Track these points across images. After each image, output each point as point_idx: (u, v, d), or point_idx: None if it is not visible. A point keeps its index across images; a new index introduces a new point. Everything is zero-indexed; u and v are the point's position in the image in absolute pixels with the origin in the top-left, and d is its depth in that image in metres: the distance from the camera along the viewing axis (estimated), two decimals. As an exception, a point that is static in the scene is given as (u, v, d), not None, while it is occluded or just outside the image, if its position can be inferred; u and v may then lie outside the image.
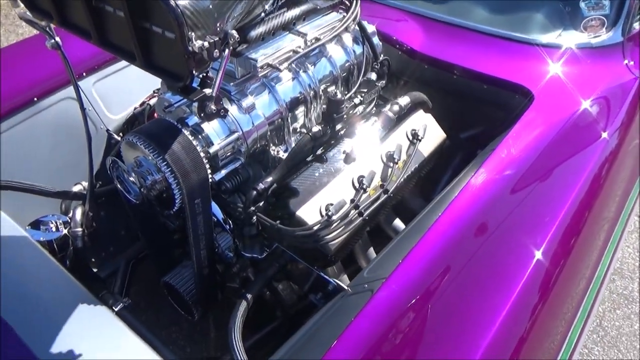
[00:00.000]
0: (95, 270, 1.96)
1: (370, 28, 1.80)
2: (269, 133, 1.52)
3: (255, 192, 1.45)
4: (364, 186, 1.54)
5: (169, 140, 1.28)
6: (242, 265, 1.73)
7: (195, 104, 1.16)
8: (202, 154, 1.32)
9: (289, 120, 1.58)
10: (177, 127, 1.31)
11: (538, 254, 1.29)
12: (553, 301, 1.29)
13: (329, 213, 1.44)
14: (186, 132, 1.32)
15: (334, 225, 1.47)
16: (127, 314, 1.80)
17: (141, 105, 1.74)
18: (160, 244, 1.84)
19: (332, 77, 1.69)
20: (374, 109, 1.85)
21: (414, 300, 1.16)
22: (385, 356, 1.05)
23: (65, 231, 1.69)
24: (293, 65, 1.59)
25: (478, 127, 2.05)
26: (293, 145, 1.60)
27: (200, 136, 1.40)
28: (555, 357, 1.30)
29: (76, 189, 1.82)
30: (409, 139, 1.76)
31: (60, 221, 1.72)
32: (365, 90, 1.71)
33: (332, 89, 1.64)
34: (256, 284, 1.53)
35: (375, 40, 1.82)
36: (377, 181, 1.62)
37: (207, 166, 1.33)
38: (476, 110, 2.02)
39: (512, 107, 1.83)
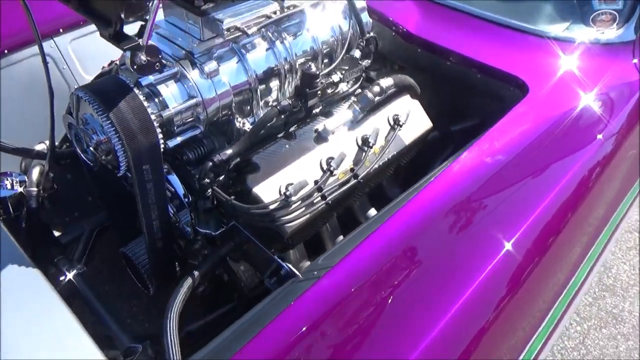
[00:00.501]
0: (58, 234, 1.90)
1: (360, 3, 1.69)
2: (234, 103, 1.43)
3: (210, 164, 1.35)
4: (332, 168, 1.44)
5: (116, 98, 1.20)
6: (203, 242, 1.64)
7: (129, 55, 1.07)
8: (153, 117, 1.24)
9: (259, 93, 1.48)
10: (128, 85, 1.22)
11: (507, 246, 1.19)
12: (520, 298, 1.18)
13: (288, 193, 1.35)
14: (139, 93, 1.23)
15: (293, 206, 1.37)
16: (81, 282, 1.73)
17: (109, 64, 1.66)
18: (123, 212, 1.76)
19: (312, 51, 1.58)
20: (358, 90, 1.74)
21: (355, 290, 1.06)
22: (304, 355, 0.95)
23: (20, 189, 1.62)
24: (269, 34, 1.49)
25: (470, 119, 1.93)
26: (262, 118, 1.50)
27: (156, 99, 1.31)
28: (516, 357, 1.21)
29: (39, 147, 1.74)
30: (389, 123, 1.65)
31: (18, 179, 1.65)
32: (347, 68, 1.60)
33: (310, 63, 1.53)
34: (205, 262, 1.44)
35: (365, 16, 1.70)
36: (347, 165, 1.52)
37: (159, 131, 1.25)
38: (469, 101, 1.91)
39: (506, 99, 1.71)
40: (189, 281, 1.37)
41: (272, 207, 1.35)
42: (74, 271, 1.73)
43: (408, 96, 1.76)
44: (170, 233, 1.51)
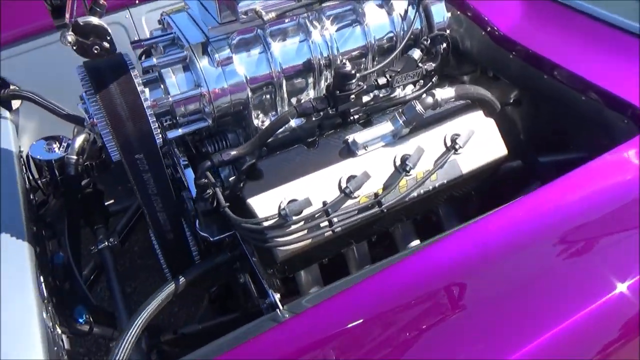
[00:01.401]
0: (108, 202, 1.94)
1: (437, -8, 1.38)
2: (251, 98, 1.25)
3: (208, 163, 1.20)
4: (349, 190, 1.20)
5: (109, 79, 1.10)
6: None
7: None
8: (151, 104, 1.13)
9: (284, 89, 1.29)
10: (127, 66, 1.12)
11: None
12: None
13: (285, 211, 1.14)
14: (137, 76, 1.12)
15: (292, 227, 1.17)
16: (108, 255, 1.74)
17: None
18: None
19: (360, 47, 1.33)
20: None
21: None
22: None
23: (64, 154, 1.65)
24: (306, 21, 1.28)
25: (566, 151, 1.51)
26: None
27: (160, 85, 1.20)
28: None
29: None
30: (445, 145, 1.34)
31: (66, 144, 1.69)
32: (398, 70, 1.32)
33: (345, 61, 1.28)
34: (196, 269, 1.32)
35: (439, 9, 1.39)
36: (375, 188, 1.26)
37: (153, 119, 1.13)
38: (566, 128, 1.49)
39: (616, 132, 1.29)
40: (170, 288, 1.25)
41: (265, 224, 1.16)
42: (104, 243, 1.75)
43: (481, 113, 1.41)
44: (181, 224, 1.42)
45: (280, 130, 1.33)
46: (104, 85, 1.09)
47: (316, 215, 1.19)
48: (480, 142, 1.37)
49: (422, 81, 1.50)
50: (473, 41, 1.59)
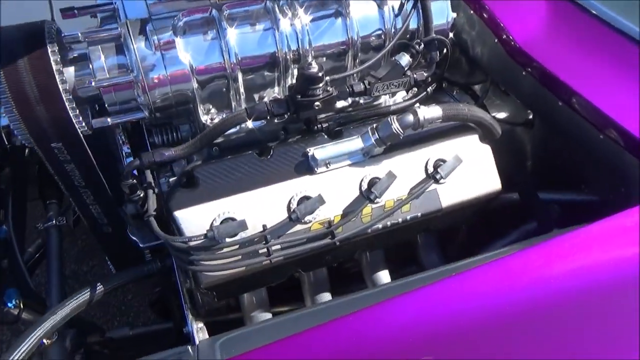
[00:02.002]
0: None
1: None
2: (197, 91, 1.06)
3: (136, 162, 1.02)
4: (296, 216, 1.01)
5: (21, 51, 0.92)
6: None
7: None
8: (67, 86, 0.95)
9: (241, 83, 1.08)
10: (43, 37, 0.94)
11: None
12: None
13: (214, 233, 0.96)
14: (56, 52, 0.94)
15: (220, 252, 0.99)
16: (54, 234, 1.59)
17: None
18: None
19: (340, 43, 1.12)
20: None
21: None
22: None
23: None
24: (275, 8, 1.06)
25: (574, 191, 1.28)
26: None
27: (89, 65, 1.01)
28: None
29: None
30: (426, 171, 1.12)
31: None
32: (379, 77, 1.10)
33: (310, 59, 1.07)
34: (119, 277, 1.15)
35: (440, 5, 1.16)
36: (332, 214, 1.06)
37: (72, 104, 0.96)
38: (580, 165, 1.25)
39: (635, 183, 1.06)
40: (85, 296, 1.10)
41: (192, 243, 0.98)
42: (54, 222, 1.60)
43: (476, 137, 1.19)
44: (120, 217, 1.25)
45: (234, 130, 1.14)
46: (13, 58, 0.92)
47: (254, 240, 1.00)
48: (469, 171, 1.16)
49: (415, 89, 1.28)
50: (484, 48, 1.35)
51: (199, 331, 1.09)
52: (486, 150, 1.19)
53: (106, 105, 1.03)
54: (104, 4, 1.07)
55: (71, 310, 1.07)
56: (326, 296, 1.28)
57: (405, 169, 1.12)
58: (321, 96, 1.04)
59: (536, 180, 1.36)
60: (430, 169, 1.12)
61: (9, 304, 1.47)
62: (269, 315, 1.25)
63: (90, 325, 1.46)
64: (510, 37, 1.26)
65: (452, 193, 1.14)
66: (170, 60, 1.00)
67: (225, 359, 0.86)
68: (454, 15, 1.20)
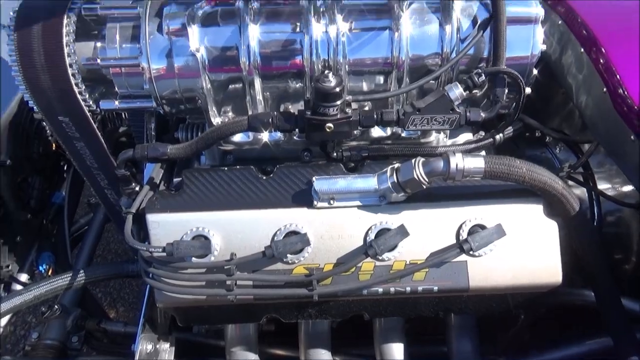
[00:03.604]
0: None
1: (531, 10, 0.89)
2: (209, 91, 0.95)
3: (129, 153, 0.94)
4: (271, 251, 0.84)
5: (38, 18, 0.91)
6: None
7: None
8: (73, 59, 0.91)
9: (258, 89, 0.95)
10: (64, 8, 0.91)
11: None
12: None
13: (173, 247, 0.84)
14: (72, 22, 0.91)
15: (181, 270, 0.86)
16: (100, 210, 1.61)
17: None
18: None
19: (382, 60, 0.92)
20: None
21: None
22: None
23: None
24: (310, 8, 0.91)
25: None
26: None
27: (100, 43, 0.96)
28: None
29: None
30: (457, 237, 0.88)
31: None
32: (418, 108, 0.88)
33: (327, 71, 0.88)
34: (96, 270, 1.09)
35: (527, 31, 0.91)
36: (319, 261, 0.87)
37: (76, 80, 0.92)
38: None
39: None
40: (63, 282, 1.05)
41: (154, 253, 0.87)
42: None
43: (540, 207, 0.90)
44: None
45: (248, 140, 1.02)
46: (29, 22, 0.90)
47: (217, 268, 0.86)
48: (520, 250, 0.88)
49: (482, 133, 1.03)
50: (589, 98, 1.04)
51: (164, 352, 0.97)
52: (550, 227, 0.90)
53: (116, 88, 0.97)
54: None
55: (42, 292, 1.03)
56: (323, 354, 1.08)
57: (432, 227, 0.89)
58: (336, 117, 0.86)
59: (629, 284, 1.01)
60: (463, 235, 0.87)
61: (40, 267, 1.52)
62: (254, 357, 1.10)
63: (97, 308, 1.43)
64: (624, 90, 0.94)
65: (487, 272, 0.88)
66: (179, 49, 0.90)
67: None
68: (543, 47, 0.93)
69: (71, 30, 0.91)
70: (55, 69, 0.91)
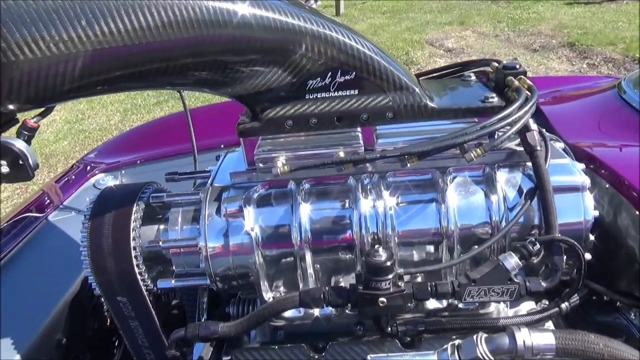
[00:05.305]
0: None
1: (575, 178, 0.91)
2: (261, 266, 0.97)
3: (181, 333, 0.94)
4: None
5: (111, 206, 1.00)
6: None
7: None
8: (137, 243, 0.97)
9: (309, 263, 0.96)
10: (136, 196, 1.01)
11: None
12: None
13: None
14: (140, 209, 0.99)
15: None
16: None
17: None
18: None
19: (432, 232, 0.93)
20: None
21: None
22: None
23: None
24: (359, 185, 0.97)
25: None
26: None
27: (163, 225, 1.03)
28: None
29: None
30: None
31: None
32: (474, 279, 0.85)
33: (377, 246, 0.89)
34: None
35: (575, 199, 0.91)
36: None
37: (138, 261, 0.97)
38: None
39: None
40: None
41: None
42: None
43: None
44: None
45: (299, 315, 1.00)
46: (102, 212, 0.99)
47: None
48: None
49: (545, 301, 0.98)
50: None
51: None
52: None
53: (174, 267, 1.01)
54: (201, 172, 1.13)
55: None
56: None
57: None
58: (389, 291, 0.84)
59: None
60: None
61: None
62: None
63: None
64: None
65: None
66: (235, 229, 0.95)
67: None
68: (596, 213, 0.92)
69: (139, 217, 0.99)
70: (120, 252, 0.96)
